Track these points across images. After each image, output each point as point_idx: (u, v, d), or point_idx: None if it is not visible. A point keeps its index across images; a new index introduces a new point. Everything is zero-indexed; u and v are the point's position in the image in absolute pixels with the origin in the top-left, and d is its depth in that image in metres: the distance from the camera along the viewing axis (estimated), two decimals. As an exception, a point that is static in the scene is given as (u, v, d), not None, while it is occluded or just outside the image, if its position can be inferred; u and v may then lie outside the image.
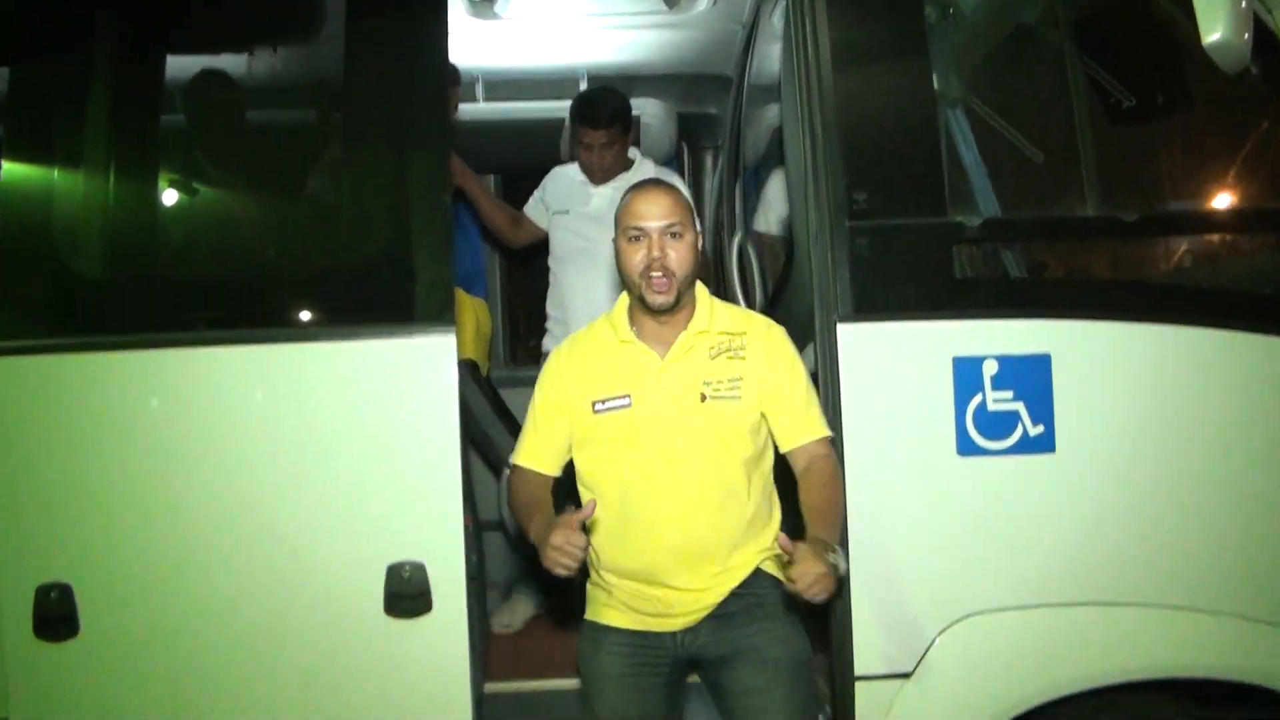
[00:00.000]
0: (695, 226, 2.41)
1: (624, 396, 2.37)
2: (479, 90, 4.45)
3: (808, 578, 2.05)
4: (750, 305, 3.74)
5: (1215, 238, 2.79)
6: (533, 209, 4.28)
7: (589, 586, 2.50)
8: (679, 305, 2.36)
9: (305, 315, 2.61)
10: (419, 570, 2.39)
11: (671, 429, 2.35)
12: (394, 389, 2.45)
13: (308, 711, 2.44)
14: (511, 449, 2.51)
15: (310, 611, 2.43)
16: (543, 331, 4.37)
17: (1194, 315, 2.49)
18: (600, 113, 3.94)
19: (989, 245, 2.62)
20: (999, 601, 2.45)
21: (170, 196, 2.83)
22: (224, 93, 2.97)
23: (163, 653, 2.44)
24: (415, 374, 2.46)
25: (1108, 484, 2.47)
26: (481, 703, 2.66)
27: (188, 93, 2.94)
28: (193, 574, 2.43)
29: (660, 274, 2.31)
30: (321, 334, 2.52)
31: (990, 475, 2.45)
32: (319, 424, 2.45)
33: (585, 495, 2.42)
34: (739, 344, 2.38)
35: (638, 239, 2.34)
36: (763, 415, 2.38)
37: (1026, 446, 2.44)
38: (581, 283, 4.02)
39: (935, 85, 2.55)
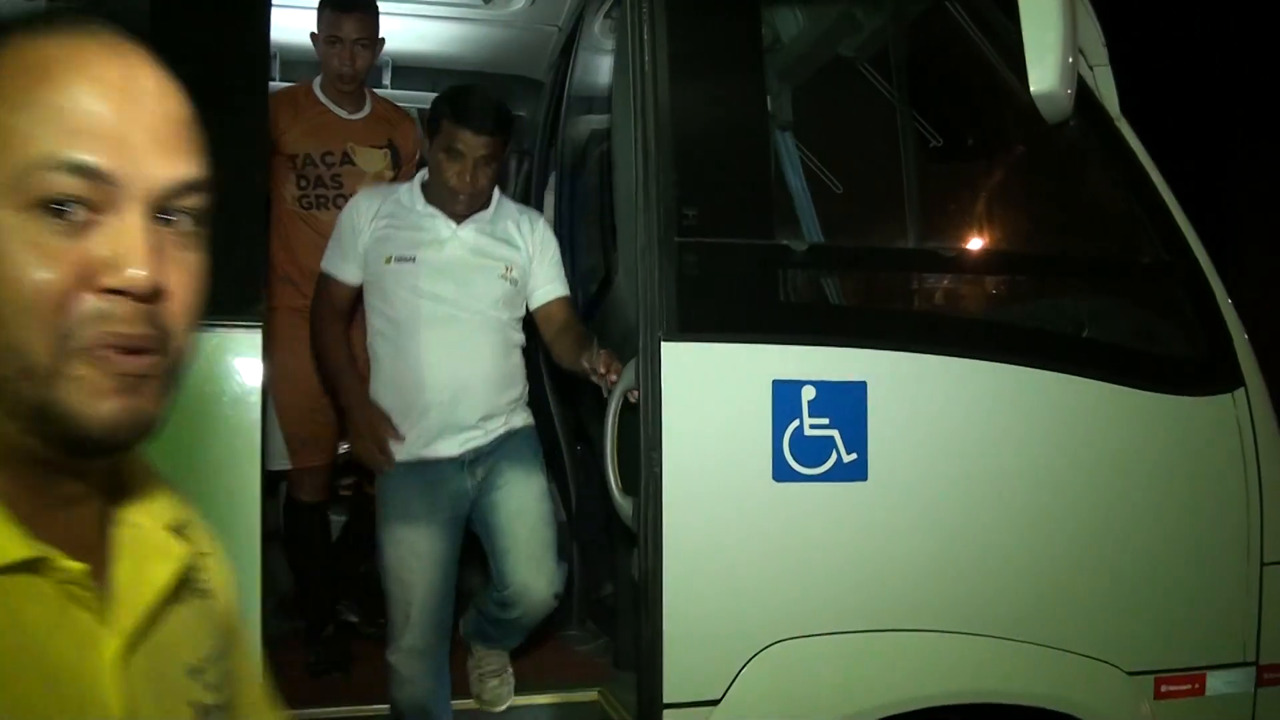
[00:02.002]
0: None
1: None
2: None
3: None
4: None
5: (1026, 279, 2.89)
6: (340, 258, 3.07)
7: None
8: None
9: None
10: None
11: None
12: (190, 389, 2.20)
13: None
14: None
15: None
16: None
17: (1004, 352, 2.55)
18: (487, 112, 2.96)
19: (813, 271, 2.63)
20: (806, 628, 2.44)
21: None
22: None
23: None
24: (212, 375, 2.20)
25: (916, 514, 2.50)
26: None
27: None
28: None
29: None
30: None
31: (804, 502, 2.43)
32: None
33: None
34: None
35: None
36: None
37: (840, 474, 2.44)
38: (444, 362, 2.95)
39: (769, 107, 2.54)
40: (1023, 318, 2.87)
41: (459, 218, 3.01)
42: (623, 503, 2.63)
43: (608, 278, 3.22)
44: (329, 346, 3.10)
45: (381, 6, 3.55)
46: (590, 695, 3.14)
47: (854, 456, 2.45)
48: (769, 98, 2.56)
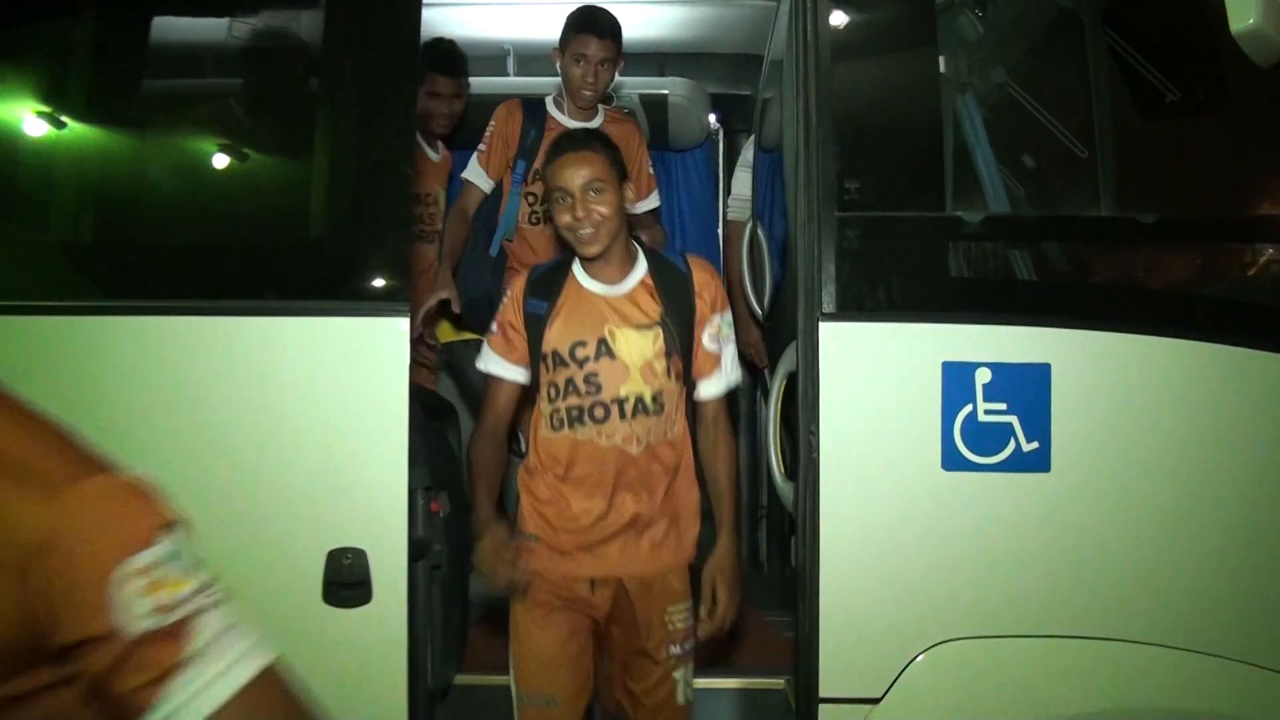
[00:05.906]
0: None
1: None
2: (510, 64, 4.33)
3: None
4: (759, 297, 3.59)
5: (1237, 247, 2.57)
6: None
7: None
8: None
9: (254, 288, 2.44)
10: (360, 557, 2.27)
11: None
12: (342, 369, 2.32)
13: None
14: None
15: (249, 594, 2.31)
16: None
17: (1213, 330, 2.29)
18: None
19: (989, 244, 2.44)
20: (979, 628, 2.28)
21: (140, 162, 2.73)
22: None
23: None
24: (364, 355, 2.32)
25: (1105, 510, 2.28)
26: (431, 697, 2.55)
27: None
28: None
29: None
30: (271, 309, 2.37)
31: (977, 493, 2.27)
32: (264, 401, 2.32)
33: None
34: None
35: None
36: None
37: (1019, 464, 2.26)
38: None
39: (941, 69, 2.37)
40: (1228, 291, 2.56)
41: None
42: (784, 487, 2.54)
43: (786, 254, 3.12)
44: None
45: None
46: (778, 683, 3.05)
47: (1035, 445, 2.27)
48: (942, 58, 2.37)
